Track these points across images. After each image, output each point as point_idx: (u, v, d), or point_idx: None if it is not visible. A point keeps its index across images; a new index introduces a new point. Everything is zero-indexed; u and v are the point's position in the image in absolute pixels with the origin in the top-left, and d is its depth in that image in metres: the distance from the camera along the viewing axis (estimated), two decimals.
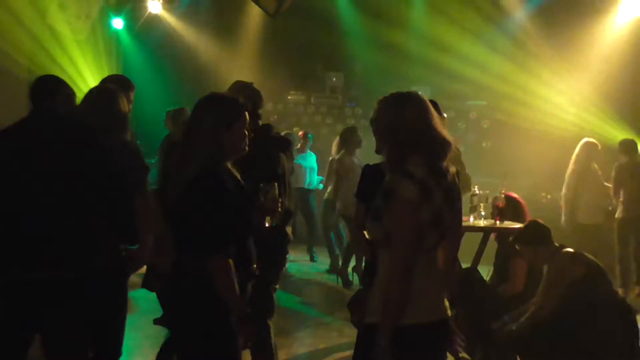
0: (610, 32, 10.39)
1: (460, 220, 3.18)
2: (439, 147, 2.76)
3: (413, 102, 2.84)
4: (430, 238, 2.74)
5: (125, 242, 3.77)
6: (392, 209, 2.65)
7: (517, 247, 4.86)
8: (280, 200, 3.69)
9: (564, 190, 8.39)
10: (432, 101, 3.76)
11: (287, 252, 4.45)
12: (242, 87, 4.16)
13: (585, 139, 8.49)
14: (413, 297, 2.70)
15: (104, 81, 4.55)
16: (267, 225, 3.63)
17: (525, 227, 4.93)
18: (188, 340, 3.07)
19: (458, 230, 3.08)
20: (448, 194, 2.75)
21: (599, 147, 8.34)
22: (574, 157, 8.41)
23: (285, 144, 4.61)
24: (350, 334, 5.29)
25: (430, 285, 2.78)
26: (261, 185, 3.47)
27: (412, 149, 2.73)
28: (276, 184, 3.63)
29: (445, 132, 2.80)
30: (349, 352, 4.37)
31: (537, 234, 4.76)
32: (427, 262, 2.76)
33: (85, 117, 3.71)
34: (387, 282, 2.70)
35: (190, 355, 3.08)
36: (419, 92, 2.95)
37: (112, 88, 4.05)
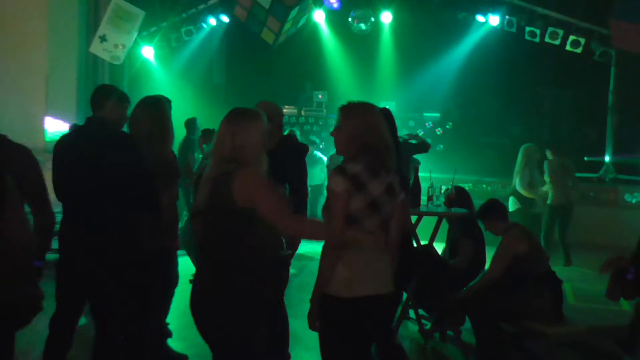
0: (536, 59, 10.43)
1: (404, 210, 3.01)
2: (378, 151, 2.67)
3: (368, 113, 2.74)
4: (371, 222, 2.64)
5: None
6: (327, 199, 2.62)
7: (478, 218, 4.81)
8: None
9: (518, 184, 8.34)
10: (385, 109, 3.68)
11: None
12: (265, 105, 4.01)
13: (526, 145, 8.37)
14: (355, 273, 2.61)
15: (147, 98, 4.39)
16: None
17: (486, 202, 4.84)
18: None
19: (402, 217, 2.92)
20: (389, 188, 2.67)
21: (536, 148, 8.28)
22: (519, 159, 8.29)
23: (305, 151, 4.48)
24: None
25: (371, 263, 2.66)
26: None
27: (356, 152, 2.66)
28: (287, 184, 3.55)
29: (387, 140, 2.70)
30: None
31: (493, 210, 4.71)
32: (371, 242, 2.65)
33: (132, 126, 3.64)
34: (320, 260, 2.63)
35: None
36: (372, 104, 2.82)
37: (160, 99, 3.93)
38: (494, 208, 4.73)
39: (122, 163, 3.24)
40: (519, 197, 7.96)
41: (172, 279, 4.18)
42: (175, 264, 4.18)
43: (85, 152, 3.25)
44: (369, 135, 2.66)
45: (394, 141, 2.92)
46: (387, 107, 3.97)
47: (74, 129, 3.44)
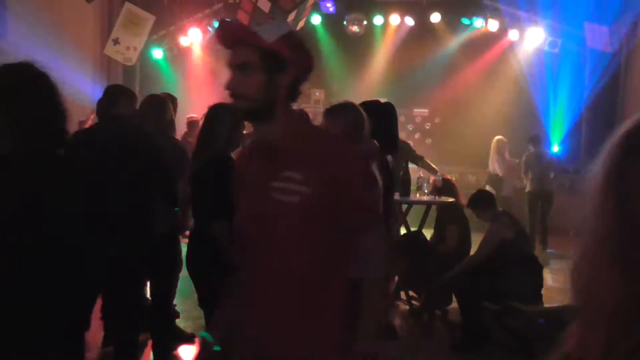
0: (516, 59, 10.41)
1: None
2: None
3: (352, 109, 2.70)
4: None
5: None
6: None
7: (469, 208, 4.78)
8: None
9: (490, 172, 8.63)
10: (388, 103, 3.63)
11: None
12: None
13: (496, 137, 8.61)
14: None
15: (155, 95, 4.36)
16: None
17: (475, 193, 4.82)
18: (203, 285, 3.02)
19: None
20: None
21: (506, 141, 8.49)
22: (491, 150, 8.54)
23: None
24: None
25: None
26: None
27: None
28: None
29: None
30: None
31: (483, 200, 4.70)
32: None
33: (142, 120, 3.60)
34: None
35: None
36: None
37: (163, 97, 3.93)
38: (483, 198, 4.72)
39: (143, 157, 3.21)
40: (491, 182, 8.31)
41: (177, 263, 4.11)
42: (179, 250, 4.12)
43: (106, 147, 3.21)
44: (361, 129, 2.64)
45: (394, 133, 2.90)
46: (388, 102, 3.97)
47: (94, 125, 3.40)
